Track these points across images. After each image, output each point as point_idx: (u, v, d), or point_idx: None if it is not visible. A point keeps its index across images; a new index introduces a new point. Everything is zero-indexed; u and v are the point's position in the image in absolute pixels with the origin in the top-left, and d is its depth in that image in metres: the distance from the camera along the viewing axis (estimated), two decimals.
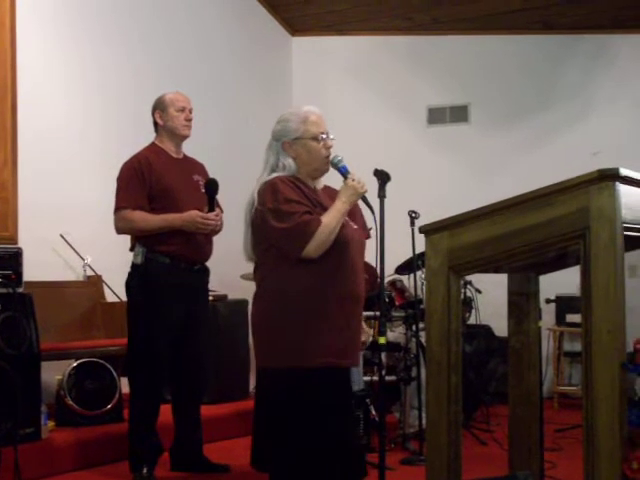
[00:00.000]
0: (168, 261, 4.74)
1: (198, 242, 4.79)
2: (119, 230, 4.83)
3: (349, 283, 3.51)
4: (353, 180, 3.58)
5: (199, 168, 5.07)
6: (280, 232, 3.43)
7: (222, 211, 4.87)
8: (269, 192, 3.47)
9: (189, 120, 4.93)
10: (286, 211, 3.42)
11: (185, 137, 4.97)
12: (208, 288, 5.11)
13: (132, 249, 4.84)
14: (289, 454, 3.44)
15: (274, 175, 3.55)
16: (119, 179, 4.79)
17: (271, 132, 3.66)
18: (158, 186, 4.75)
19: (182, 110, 4.90)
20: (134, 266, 4.81)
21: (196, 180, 4.91)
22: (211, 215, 4.72)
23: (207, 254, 4.92)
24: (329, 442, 3.45)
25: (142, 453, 4.79)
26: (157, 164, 4.79)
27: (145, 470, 4.74)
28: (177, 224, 4.68)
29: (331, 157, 3.63)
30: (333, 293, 3.45)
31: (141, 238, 4.76)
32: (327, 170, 3.69)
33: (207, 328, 5.07)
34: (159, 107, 4.92)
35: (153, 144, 4.95)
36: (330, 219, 3.46)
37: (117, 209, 4.75)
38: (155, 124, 4.96)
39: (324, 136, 3.61)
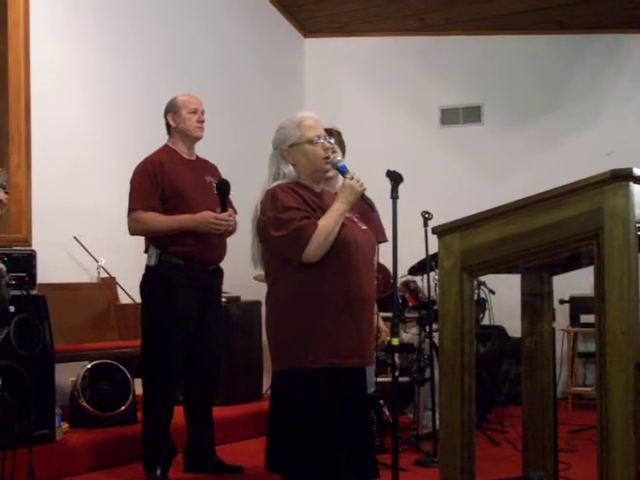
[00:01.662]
0: (182, 262, 4.74)
1: (212, 243, 4.79)
2: (132, 231, 4.84)
3: (353, 283, 3.51)
4: (352, 179, 3.59)
5: (212, 169, 5.09)
6: (278, 240, 3.47)
7: (236, 212, 4.88)
8: (269, 201, 3.52)
9: (201, 122, 4.95)
10: (284, 219, 3.46)
11: (197, 139, 4.98)
12: (222, 289, 5.11)
13: (146, 251, 4.85)
14: (301, 456, 3.45)
15: (275, 184, 3.59)
16: (132, 181, 4.81)
17: (272, 142, 3.70)
18: (171, 187, 4.76)
19: (194, 112, 4.92)
20: (148, 268, 4.82)
21: (209, 181, 4.92)
22: (224, 216, 4.73)
23: (221, 255, 4.92)
24: (340, 443, 3.46)
25: (156, 454, 4.80)
26: (170, 166, 4.81)
27: (159, 471, 4.75)
28: (190, 225, 4.69)
29: (331, 157, 3.65)
30: (337, 294, 3.48)
31: (155, 240, 4.77)
32: (328, 171, 3.72)
33: (221, 329, 5.07)
34: (171, 109, 4.94)
35: (166, 146, 4.97)
36: (327, 221, 3.48)
37: (130, 211, 4.77)
38: (168, 126, 4.98)
39: (321, 140, 3.63)
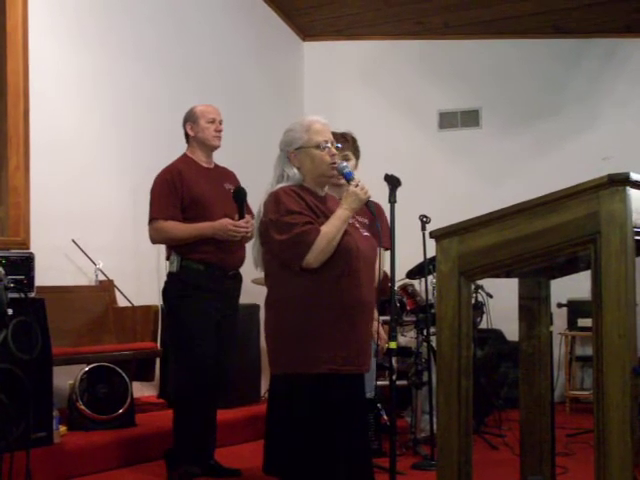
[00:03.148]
0: (202, 268, 4.83)
1: (231, 249, 4.87)
2: (154, 240, 4.98)
3: (353, 290, 3.51)
4: (356, 186, 3.59)
5: (230, 177, 5.17)
6: (280, 244, 3.48)
7: (253, 217, 4.91)
8: (272, 204, 3.53)
9: (219, 131, 5.05)
10: (286, 222, 3.46)
11: (215, 147, 5.07)
12: (240, 294, 5.16)
13: (168, 258, 4.95)
14: (297, 459, 3.45)
15: (279, 186, 3.59)
16: (152, 191, 4.92)
17: (279, 143, 3.70)
18: (190, 196, 4.86)
19: (212, 121, 5.01)
20: (170, 274, 4.92)
21: (227, 189, 5.00)
22: (241, 222, 4.81)
23: (240, 260, 4.99)
24: (336, 448, 3.46)
25: (183, 452, 4.84)
26: (188, 174, 4.90)
27: (185, 469, 4.80)
28: (209, 232, 4.78)
29: (336, 164, 3.65)
30: (336, 300, 3.48)
31: (176, 247, 4.88)
32: (333, 177, 3.71)
33: (236, 334, 5.13)
34: (190, 119, 5.03)
35: (185, 155, 5.06)
36: (330, 227, 3.48)
37: (151, 220, 4.88)
38: (186, 135, 5.07)
39: (328, 145, 3.63)
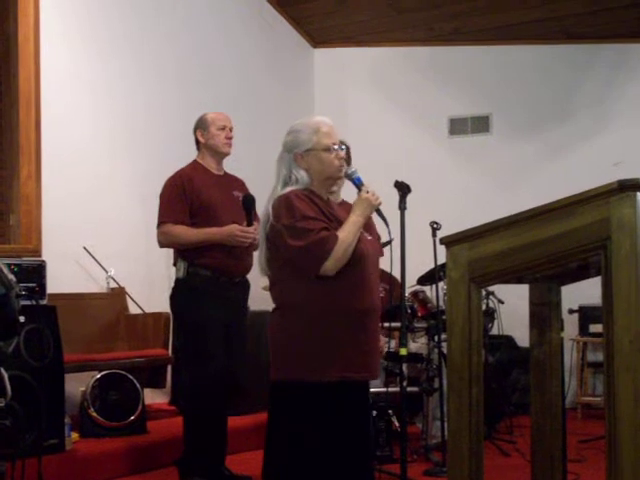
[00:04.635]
0: (209, 274, 4.84)
1: (238, 255, 4.88)
2: (161, 244, 4.99)
3: (365, 296, 3.48)
4: (367, 192, 3.55)
5: (239, 184, 5.19)
6: (296, 250, 3.38)
7: None
8: (284, 208, 3.42)
9: (229, 138, 5.07)
10: (302, 228, 3.37)
11: (226, 155, 5.09)
12: (247, 300, 5.17)
13: (175, 264, 4.97)
14: (300, 467, 3.43)
15: (288, 189, 3.50)
16: (161, 195, 4.95)
17: (282, 143, 3.62)
18: (198, 201, 4.88)
19: (223, 129, 5.04)
20: (177, 280, 4.94)
21: (236, 196, 5.02)
22: (250, 229, 4.81)
23: (247, 267, 4.99)
24: (344, 456, 3.45)
25: (197, 461, 4.83)
26: (198, 180, 4.92)
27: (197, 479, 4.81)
28: (217, 238, 4.80)
29: (345, 168, 3.62)
30: (349, 307, 3.43)
31: (183, 252, 4.89)
32: (340, 179, 3.67)
33: (244, 340, 5.13)
34: (201, 126, 5.05)
35: (195, 161, 5.08)
36: (346, 234, 3.42)
37: (159, 224, 4.90)
38: (197, 142, 5.09)
39: (336, 147, 3.57)
